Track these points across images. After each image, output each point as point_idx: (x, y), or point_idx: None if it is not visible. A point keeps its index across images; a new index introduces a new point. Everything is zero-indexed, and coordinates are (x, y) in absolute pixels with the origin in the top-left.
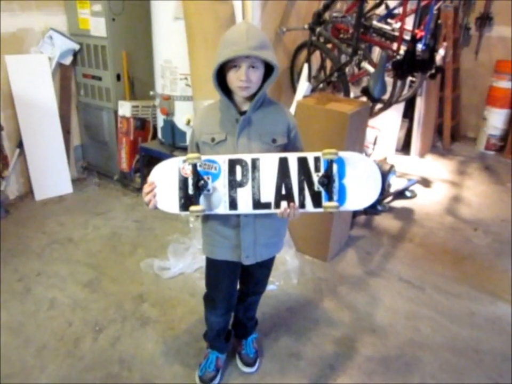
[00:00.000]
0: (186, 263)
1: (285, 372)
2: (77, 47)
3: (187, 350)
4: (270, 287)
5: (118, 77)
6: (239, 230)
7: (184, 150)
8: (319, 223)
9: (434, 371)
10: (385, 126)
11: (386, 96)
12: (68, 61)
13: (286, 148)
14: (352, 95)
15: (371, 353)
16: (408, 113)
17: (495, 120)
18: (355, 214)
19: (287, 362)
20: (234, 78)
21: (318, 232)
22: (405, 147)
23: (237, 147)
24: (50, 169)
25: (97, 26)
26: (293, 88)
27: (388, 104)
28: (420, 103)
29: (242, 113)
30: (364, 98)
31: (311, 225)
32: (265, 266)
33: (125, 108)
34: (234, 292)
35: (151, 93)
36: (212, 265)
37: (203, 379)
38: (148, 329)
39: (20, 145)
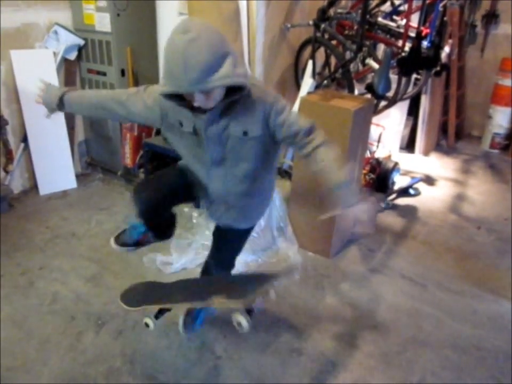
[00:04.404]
0: (188, 258)
1: (286, 367)
2: (81, 42)
3: (189, 345)
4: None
5: (123, 73)
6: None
7: None
8: (322, 220)
9: (435, 368)
10: (390, 123)
11: (390, 94)
12: (72, 56)
13: (273, 137)
14: (356, 92)
15: (372, 350)
16: (413, 111)
17: (500, 118)
18: None
19: (288, 358)
20: (190, 99)
21: (321, 228)
22: (409, 145)
23: (207, 140)
24: (55, 164)
25: (102, 22)
26: (297, 85)
27: (392, 102)
28: (424, 101)
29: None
30: (368, 95)
31: (314, 222)
32: (237, 235)
33: None
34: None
35: None
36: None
37: (117, 239)
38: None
39: (25, 139)
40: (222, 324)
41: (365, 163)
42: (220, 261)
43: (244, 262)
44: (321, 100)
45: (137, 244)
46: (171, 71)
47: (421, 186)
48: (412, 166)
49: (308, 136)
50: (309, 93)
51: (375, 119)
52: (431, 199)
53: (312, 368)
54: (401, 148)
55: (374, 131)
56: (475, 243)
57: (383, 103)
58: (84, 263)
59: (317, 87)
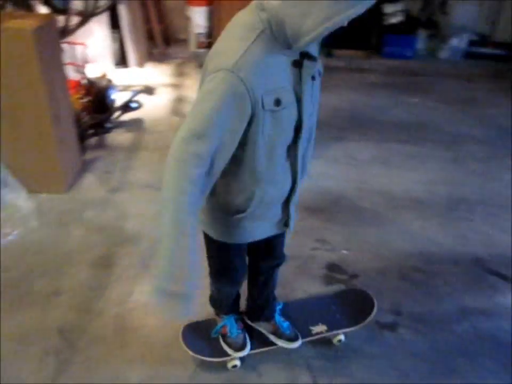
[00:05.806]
0: None
1: (46, 312)
2: None
3: None
4: (9, 238)
5: None
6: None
7: None
8: (42, 156)
9: None
10: (94, 40)
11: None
12: None
13: None
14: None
15: (129, 261)
16: (117, 24)
17: (198, 18)
18: (83, 137)
19: (46, 303)
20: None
21: (44, 164)
22: (123, 59)
23: (304, 107)
24: None
25: None
26: None
27: (86, 17)
28: (123, 11)
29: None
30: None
31: (33, 159)
32: None
33: None
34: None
35: None
36: (229, 248)
37: (235, 347)
38: None
39: None
40: None
41: (76, 87)
42: (276, 259)
43: None
44: None
45: (243, 329)
46: None
47: (141, 98)
48: (129, 80)
49: None
50: None
51: (73, 38)
52: (154, 107)
53: (73, 304)
54: (117, 64)
55: (77, 51)
56: None
57: (77, 20)
58: None
59: None
